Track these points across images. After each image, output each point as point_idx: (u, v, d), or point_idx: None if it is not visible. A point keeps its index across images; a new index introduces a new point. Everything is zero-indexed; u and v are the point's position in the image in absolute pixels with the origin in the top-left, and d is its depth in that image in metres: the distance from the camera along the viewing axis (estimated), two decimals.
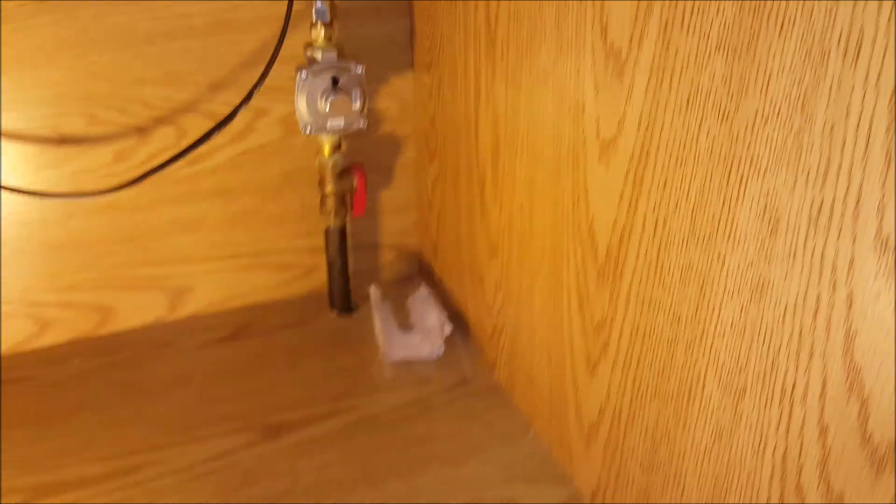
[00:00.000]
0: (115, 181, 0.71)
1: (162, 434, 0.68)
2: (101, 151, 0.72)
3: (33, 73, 0.68)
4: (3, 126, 0.69)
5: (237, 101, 0.68)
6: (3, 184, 0.65)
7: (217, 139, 0.69)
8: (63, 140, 0.71)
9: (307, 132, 0.71)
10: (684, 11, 0.40)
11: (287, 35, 0.66)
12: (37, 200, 0.71)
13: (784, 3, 0.34)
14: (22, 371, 0.76)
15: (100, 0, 0.67)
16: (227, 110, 0.68)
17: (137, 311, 0.81)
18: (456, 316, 0.82)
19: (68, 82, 0.69)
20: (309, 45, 0.69)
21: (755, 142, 0.37)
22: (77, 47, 0.68)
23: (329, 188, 0.77)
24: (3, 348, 0.77)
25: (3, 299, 0.76)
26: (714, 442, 0.44)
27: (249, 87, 0.67)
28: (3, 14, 0.65)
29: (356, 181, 0.77)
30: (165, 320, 0.83)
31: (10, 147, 0.70)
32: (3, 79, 0.67)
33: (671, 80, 0.42)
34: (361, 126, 0.72)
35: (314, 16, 0.68)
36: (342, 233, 0.81)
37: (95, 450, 0.66)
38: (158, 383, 0.74)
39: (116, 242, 0.77)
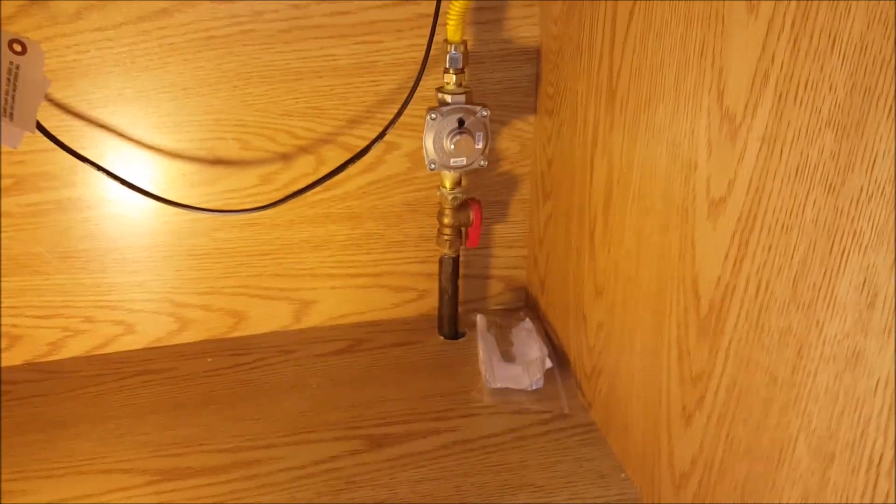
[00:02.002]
0: (259, 201, 0.79)
1: (278, 433, 0.74)
2: (249, 174, 0.80)
3: (197, 100, 0.76)
4: (166, 146, 0.77)
5: (371, 135, 0.74)
6: (162, 196, 0.74)
7: (350, 169, 0.75)
8: (217, 161, 0.79)
9: (431, 168, 0.75)
10: (798, 86, 0.42)
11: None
12: (189, 213, 0.79)
13: (893, 88, 0.35)
14: (161, 363, 0.84)
15: (258, 41, 0.74)
16: (361, 143, 0.75)
17: (266, 318, 0.88)
18: (557, 352, 0.84)
19: (226, 110, 0.77)
20: (440, 88, 0.74)
21: (859, 217, 0.38)
22: (236, 80, 0.75)
23: (447, 220, 0.81)
24: (147, 341, 0.87)
25: (150, 298, 0.84)
26: None
27: (384, 123, 0.73)
28: (178, 47, 0.73)
29: (473, 215, 0.81)
30: (290, 329, 0.89)
31: (171, 164, 0.78)
32: (171, 104, 0.75)
33: (782, 149, 0.44)
34: (482, 165, 0.76)
35: (448, 62, 0.72)
36: (455, 262, 0.85)
37: (218, 442, 0.73)
38: (279, 386, 0.81)
39: (254, 255, 0.84)
